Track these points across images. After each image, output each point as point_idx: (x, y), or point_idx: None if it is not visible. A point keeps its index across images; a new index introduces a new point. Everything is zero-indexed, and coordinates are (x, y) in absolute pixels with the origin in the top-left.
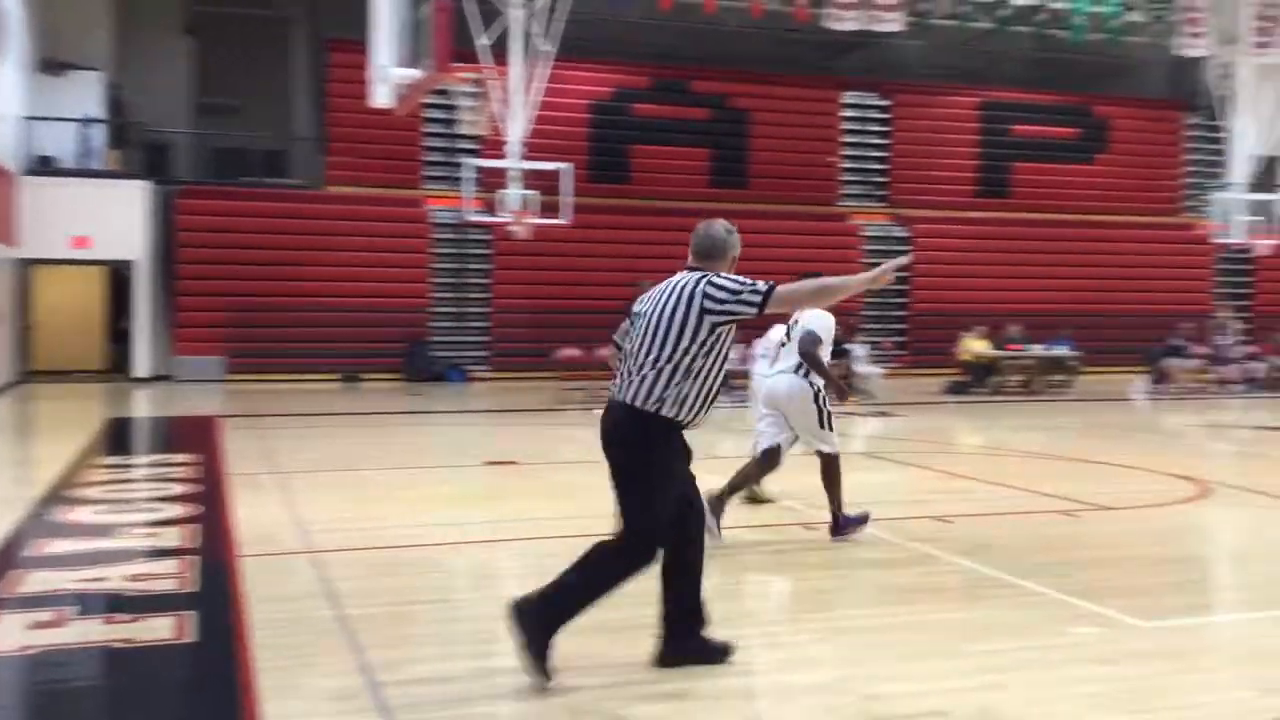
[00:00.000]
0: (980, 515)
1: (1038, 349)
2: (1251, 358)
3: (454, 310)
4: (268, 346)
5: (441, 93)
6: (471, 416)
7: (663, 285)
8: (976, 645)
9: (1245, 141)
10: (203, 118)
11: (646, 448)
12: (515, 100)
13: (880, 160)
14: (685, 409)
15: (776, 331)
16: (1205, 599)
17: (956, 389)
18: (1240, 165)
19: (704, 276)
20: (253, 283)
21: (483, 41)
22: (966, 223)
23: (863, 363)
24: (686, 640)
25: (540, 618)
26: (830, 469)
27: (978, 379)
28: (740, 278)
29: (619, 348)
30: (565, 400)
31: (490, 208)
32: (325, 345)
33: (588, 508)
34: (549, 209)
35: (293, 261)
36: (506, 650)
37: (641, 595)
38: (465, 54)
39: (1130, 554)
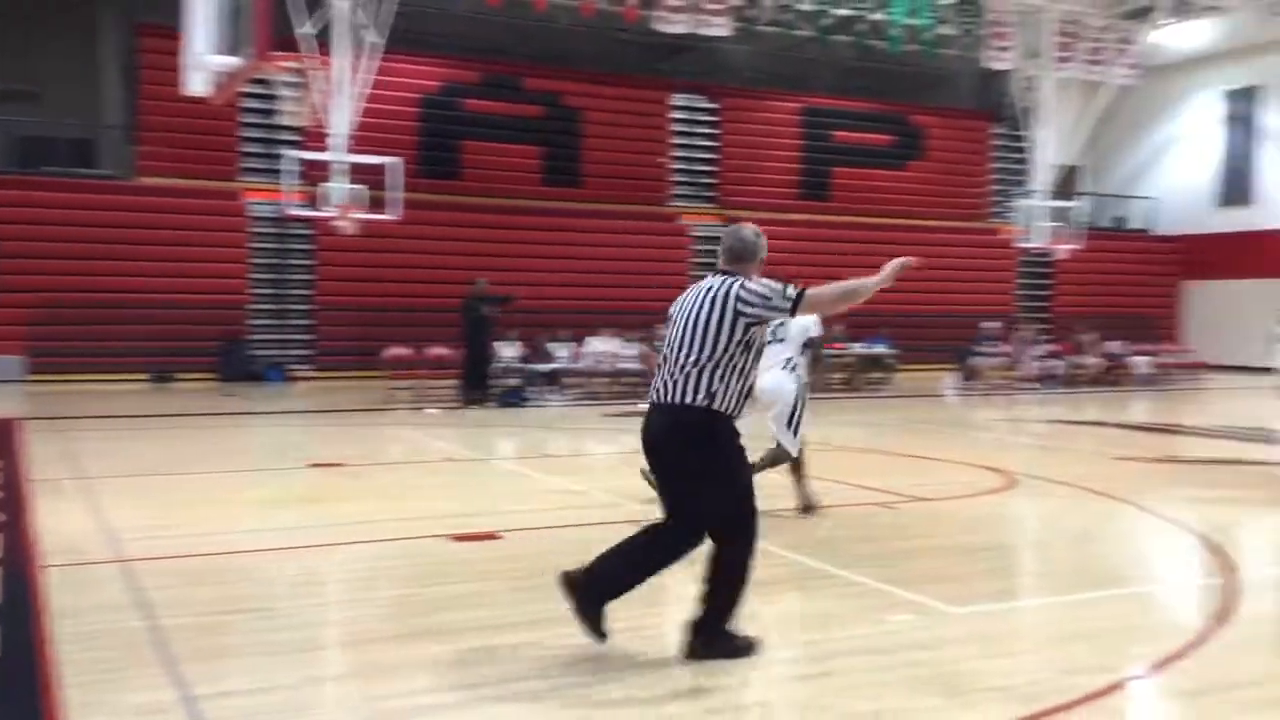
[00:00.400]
0: (805, 509)
1: (858, 347)
2: (1051, 356)
3: (274, 307)
4: (73, 345)
5: (261, 81)
6: (293, 417)
7: (695, 289)
8: (801, 635)
9: (1046, 151)
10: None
11: (714, 444)
12: (340, 92)
13: (708, 162)
14: (732, 402)
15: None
16: (1012, 584)
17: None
18: (1041, 174)
19: (736, 280)
20: (57, 278)
21: (306, 30)
22: (790, 224)
23: None
24: (715, 639)
25: (591, 590)
26: (779, 463)
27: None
28: (771, 282)
29: (655, 349)
30: (393, 400)
31: (314, 201)
32: (134, 344)
33: (418, 509)
34: (376, 204)
35: (101, 256)
36: (330, 659)
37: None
38: (287, 42)
39: (944, 543)
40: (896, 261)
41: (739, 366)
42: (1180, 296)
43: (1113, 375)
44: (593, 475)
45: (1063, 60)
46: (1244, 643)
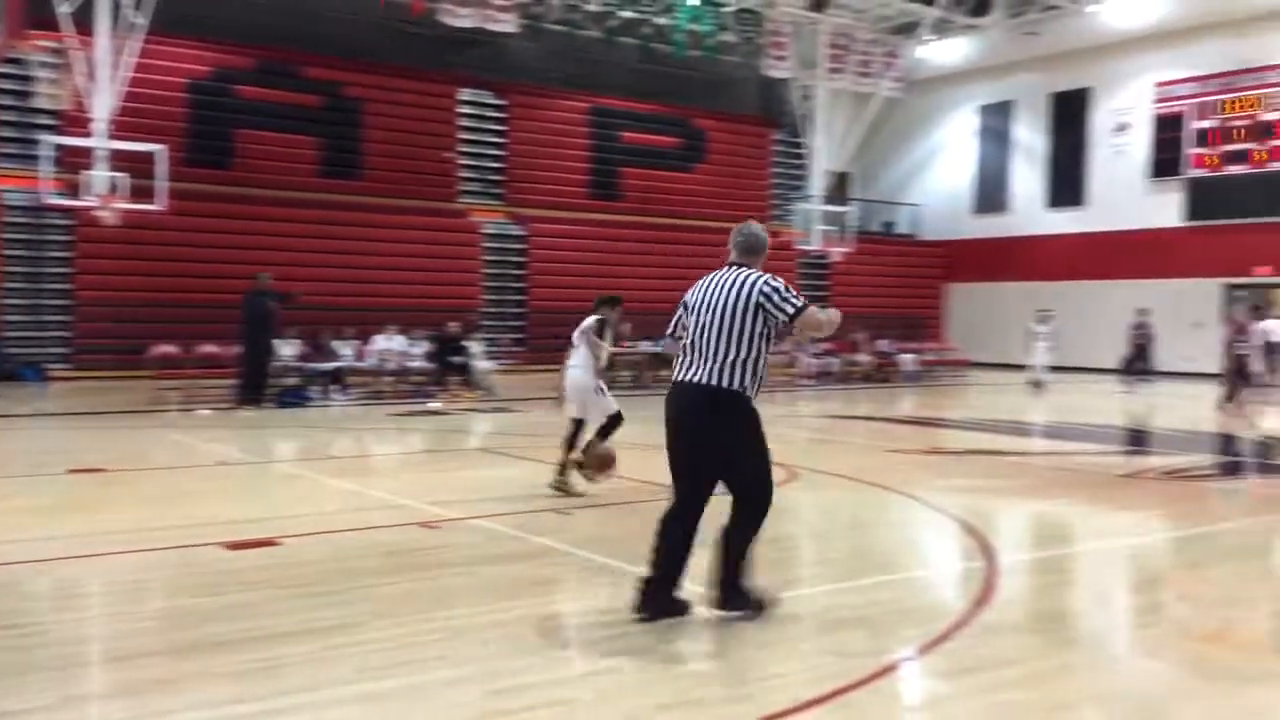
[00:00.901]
0: (597, 506)
1: (646, 345)
2: (827, 353)
3: (29, 303)
4: None
5: (15, 61)
6: (52, 420)
7: (712, 279)
8: (590, 633)
9: (821, 158)
10: None
11: (745, 420)
12: (102, 74)
13: (497, 159)
14: (757, 385)
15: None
16: (793, 574)
17: None
18: (817, 179)
19: (759, 275)
20: None
21: (64, 9)
22: (580, 223)
23: (480, 359)
24: (735, 594)
25: (659, 595)
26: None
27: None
28: (784, 285)
29: (673, 337)
30: (161, 401)
31: (73, 190)
32: None
33: (190, 516)
34: (141, 193)
35: None
36: (93, 677)
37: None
38: (44, 20)
39: None
40: (837, 312)
41: (761, 353)
42: (944, 298)
43: (883, 372)
44: (376, 477)
45: (835, 71)
46: (1002, 623)
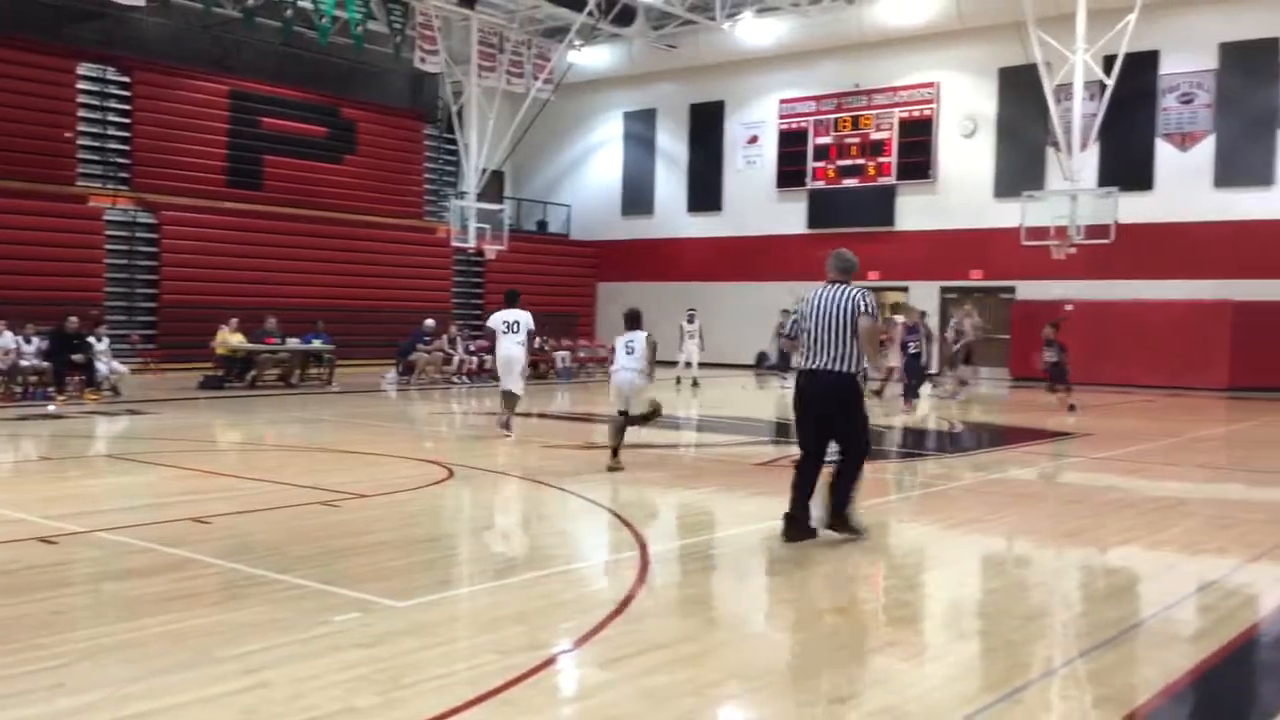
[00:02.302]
0: (241, 513)
1: (295, 342)
2: (483, 350)
3: None
4: None
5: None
6: None
7: (822, 292)
8: (237, 648)
9: (475, 155)
10: None
11: (859, 396)
12: None
13: (122, 140)
14: (861, 369)
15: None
16: (453, 574)
17: (211, 383)
18: (472, 177)
19: (857, 290)
20: None
21: None
22: (219, 213)
23: (106, 358)
24: (843, 520)
25: (798, 525)
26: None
27: (234, 373)
28: (872, 299)
29: (790, 338)
30: None
31: None
32: None
33: None
34: None
35: None
36: None
37: None
38: None
39: (387, 538)
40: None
41: (858, 348)
42: (596, 296)
43: (538, 369)
44: None
45: (486, 69)
46: (654, 610)
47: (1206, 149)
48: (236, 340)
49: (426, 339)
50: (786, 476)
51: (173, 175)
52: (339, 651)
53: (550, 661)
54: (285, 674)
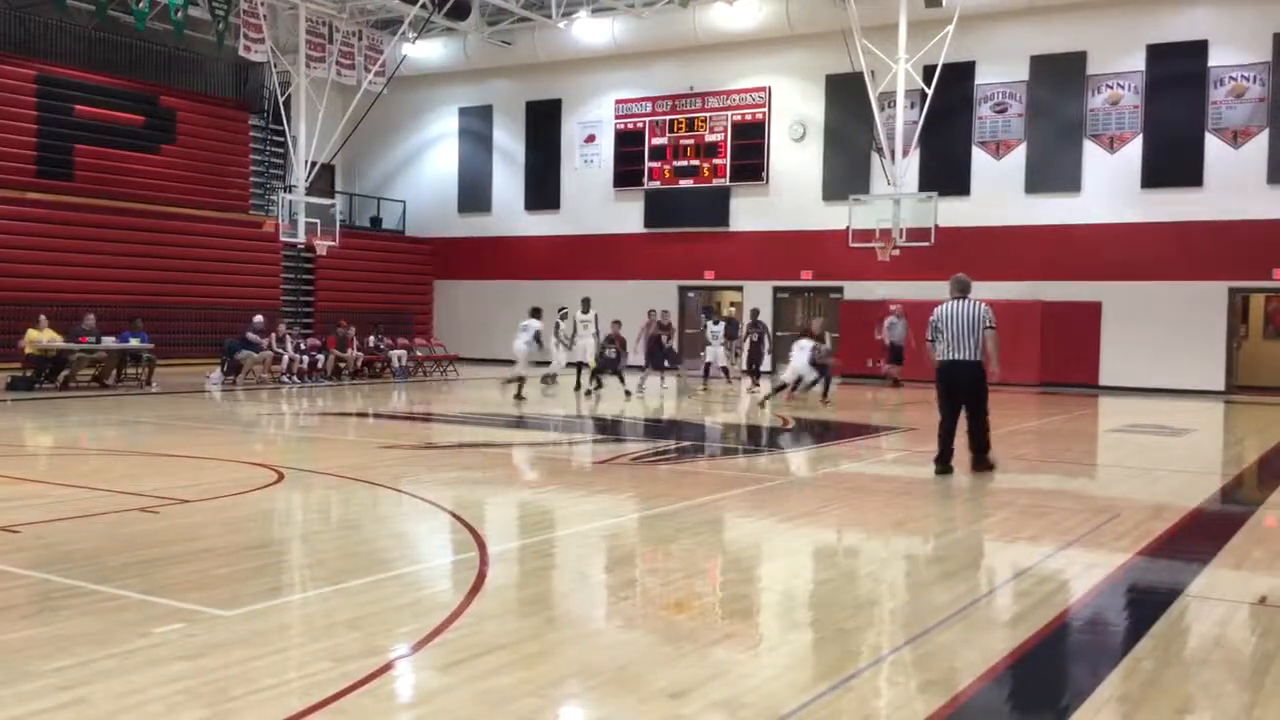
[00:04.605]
0: (53, 521)
1: (110, 340)
2: (315, 349)
3: None
4: None
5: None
6: None
7: (954, 307)
8: (52, 663)
9: (304, 148)
10: None
11: (985, 377)
12: None
13: None
14: (984, 359)
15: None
16: (283, 580)
17: (20, 385)
18: (300, 170)
19: (984, 306)
20: None
21: None
22: (27, 204)
23: None
24: (984, 460)
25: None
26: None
27: (45, 373)
28: (992, 312)
29: (932, 341)
30: None
31: None
32: None
33: None
34: None
35: None
36: None
37: None
38: None
39: (211, 545)
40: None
41: (984, 343)
42: (433, 294)
43: (373, 368)
44: None
45: (315, 60)
46: (495, 610)
47: (1018, 157)
48: (47, 339)
49: (255, 336)
50: (626, 475)
51: None
52: (162, 664)
53: (387, 667)
54: (104, 689)
